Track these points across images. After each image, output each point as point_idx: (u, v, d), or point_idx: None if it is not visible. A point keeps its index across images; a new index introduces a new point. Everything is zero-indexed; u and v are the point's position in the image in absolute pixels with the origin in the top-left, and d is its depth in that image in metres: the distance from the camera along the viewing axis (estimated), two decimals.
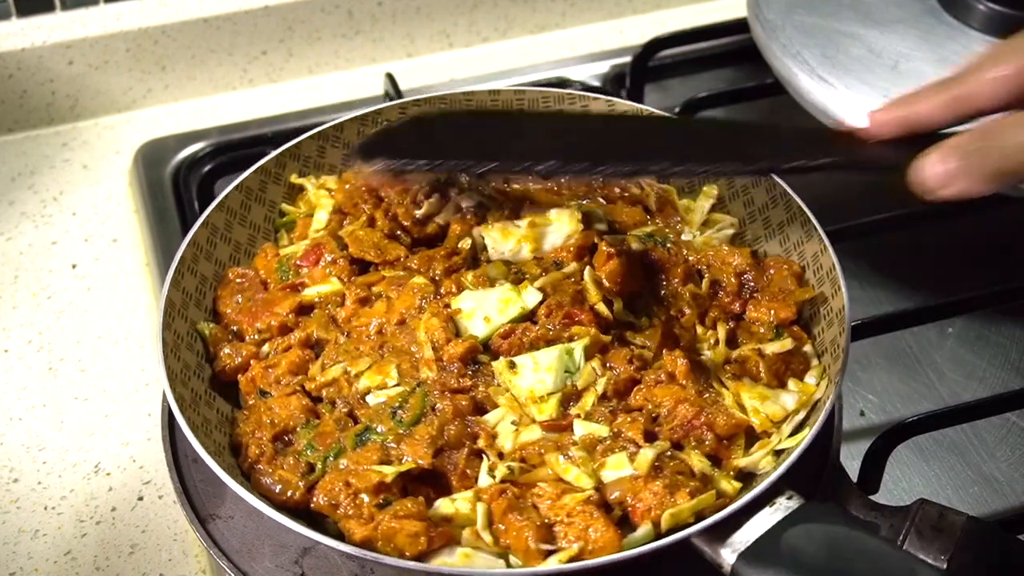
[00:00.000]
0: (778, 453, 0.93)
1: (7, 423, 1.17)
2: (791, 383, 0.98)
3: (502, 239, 1.06)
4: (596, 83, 1.49)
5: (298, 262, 1.07)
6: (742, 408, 0.95)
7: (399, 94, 1.41)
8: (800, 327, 1.03)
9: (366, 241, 1.07)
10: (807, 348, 1.01)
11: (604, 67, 1.52)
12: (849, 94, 1.19)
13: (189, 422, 0.90)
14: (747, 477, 0.93)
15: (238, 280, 1.07)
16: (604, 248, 1.03)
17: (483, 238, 1.06)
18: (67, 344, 1.24)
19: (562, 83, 1.47)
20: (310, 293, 1.05)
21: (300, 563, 0.94)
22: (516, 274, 1.03)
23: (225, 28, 1.50)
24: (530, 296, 1.00)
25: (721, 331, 1.01)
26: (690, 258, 1.07)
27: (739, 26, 1.43)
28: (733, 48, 1.51)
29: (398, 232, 1.09)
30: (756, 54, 1.31)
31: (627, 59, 1.48)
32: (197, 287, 1.04)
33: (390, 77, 1.44)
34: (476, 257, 1.06)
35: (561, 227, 1.06)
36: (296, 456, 0.93)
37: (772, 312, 1.02)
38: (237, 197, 1.09)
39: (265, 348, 1.02)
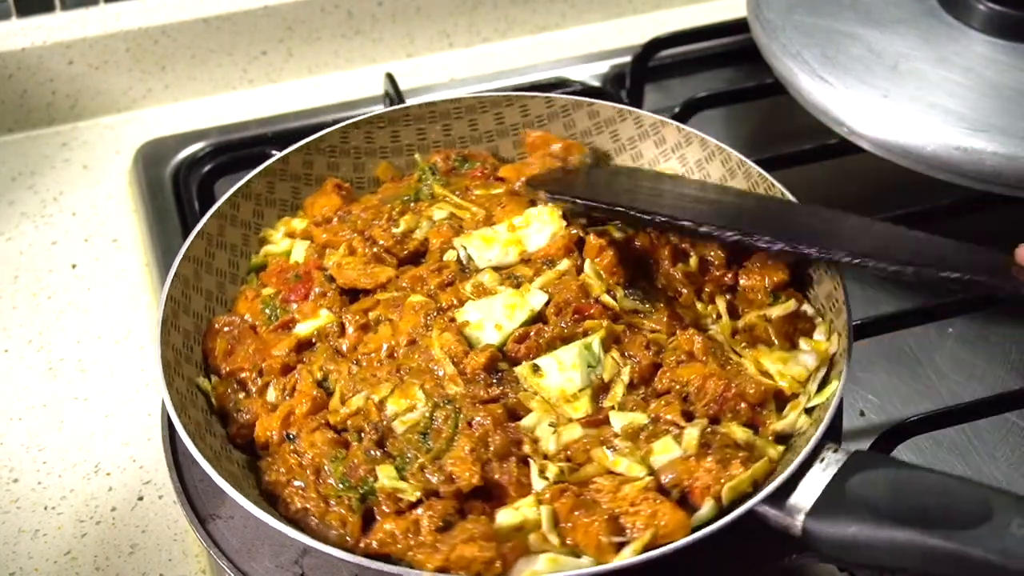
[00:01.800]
0: (808, 411, 0.94)
1: (7, 423, 1.17)
2: (803, 342, 0.99)
3: (485, 247, 1.05)
4: (596, 83, 1.48)
5: (287, 297, 1.05)
6: (766, 374, 0.96)
7: (399, 94, 1.41)
8: (794, 288, 1.04)
9: (353, 269, 1.05)
10: (806, 307, 1.02)
11: (604, 67, 1.52)
12: (849, 94, 1.19)
13: (222, 473, 0.88)
14: (783, 439, 0.94)
15: (226, 329, 1.04)
16: (594, 241, 1.03)
17: (465, 248, 1.06)
18: (67, 344, 1.24)
19: (562, 83, 1.47)
20: (305, 329, 1.02)
21: (300, 563, 0.94)
22: (511, 279, 1.03)
23: (225, 28, 1.50)
24: (535, 298, 1.00)
25: (721, 304, 1.02)
26: (672, 239, 1.07)
27: (739, 26, 1.43)
28: (733, 48, 1.51)
29: (382, 254, 1.07)
30: (756, 54, 1.31)
31: (627, 59, 1.48)
32: (184, 342, 1.01)
33: (390, 77, 1.44)
34: (464, 268, 1.05)
35: (543, 226, 1.06)
36: (338, 498, 0.90)
37: (766, 277, 1.02)
38: (200, 245, 1.06)
39: (271, 391, 0.99)
